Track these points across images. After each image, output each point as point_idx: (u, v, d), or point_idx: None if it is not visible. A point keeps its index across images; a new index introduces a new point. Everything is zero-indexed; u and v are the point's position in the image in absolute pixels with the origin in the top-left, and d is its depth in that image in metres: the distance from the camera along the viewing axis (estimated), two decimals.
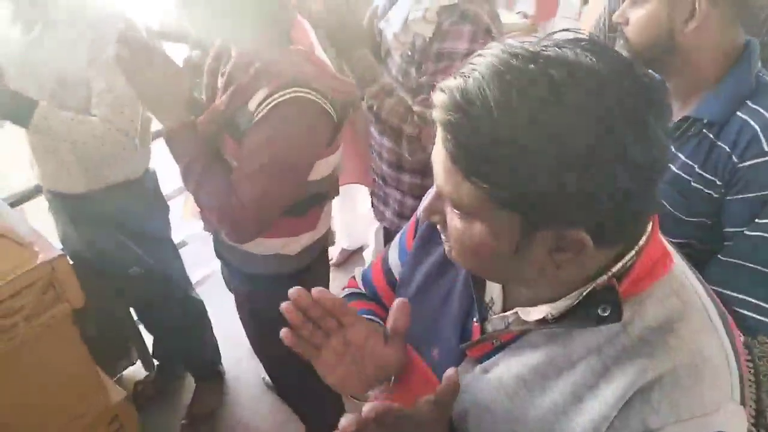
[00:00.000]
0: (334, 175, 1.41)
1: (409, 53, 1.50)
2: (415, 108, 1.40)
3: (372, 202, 1.91)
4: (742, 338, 0.69)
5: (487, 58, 0.55)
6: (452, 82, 0.57)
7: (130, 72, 1.13)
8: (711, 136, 1.10)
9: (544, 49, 0.54)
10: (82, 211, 1.83)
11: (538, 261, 0.60)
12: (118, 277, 1.93)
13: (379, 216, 1.86)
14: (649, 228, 0.64)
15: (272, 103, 1.15)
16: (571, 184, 0.52)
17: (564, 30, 0.60)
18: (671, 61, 1.11)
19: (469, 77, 0.55)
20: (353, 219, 2.89)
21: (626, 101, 0.52)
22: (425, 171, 1.60)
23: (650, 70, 1.14)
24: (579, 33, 0.58)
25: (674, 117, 1.16)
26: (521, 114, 0.51)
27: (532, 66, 0.52)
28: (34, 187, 2.05)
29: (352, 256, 3.03)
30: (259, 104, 1.17)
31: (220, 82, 1.34)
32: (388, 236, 1.98)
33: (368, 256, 2.90)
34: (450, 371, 0.68)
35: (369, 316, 0.92)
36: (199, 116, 1.27)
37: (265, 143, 1.17)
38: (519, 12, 2.34)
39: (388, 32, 1.56)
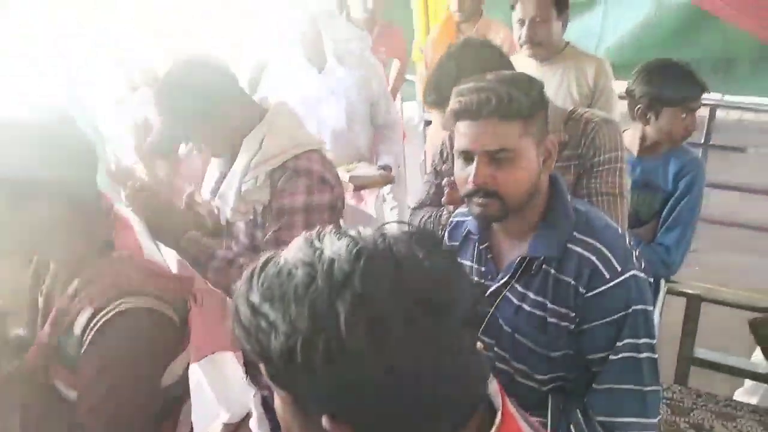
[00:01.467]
0: (186, 374, 1.27)
1: (251, 218, 1.52)
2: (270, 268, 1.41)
3: (245, 369, 1.78)
4: None
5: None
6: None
7: None
8: (553, 270, 1.14)
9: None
10: None
11: None
12: None
13: (255, 382, 1.75)
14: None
15: (99, 323, 1.03)
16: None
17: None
18: (528, 204, 1.15)
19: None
20: (227, 389, 2.67)
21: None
22: None
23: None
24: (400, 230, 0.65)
25: (509, 256, 1.21)
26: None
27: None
28: None
29: (239, 428, 2.77)
30: (85, 327, 1.04)
31: (41, 302, 1.20)
32: (266, 405, 1.82)
33: (254, 425, 2.65)
34: None
35: None
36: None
37: (102, 370, 1.04)
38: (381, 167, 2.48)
39: (225, 209, 1.56)
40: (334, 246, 0.61)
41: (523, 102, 1.07)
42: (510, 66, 1.48)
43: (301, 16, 2.29)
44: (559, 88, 2.17)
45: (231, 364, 2.57)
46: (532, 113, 1.09)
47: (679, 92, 1.86)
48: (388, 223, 0.69)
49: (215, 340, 2.05)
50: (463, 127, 1.12)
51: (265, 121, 1.51)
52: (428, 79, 1.51)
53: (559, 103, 2.06)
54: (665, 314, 2.16)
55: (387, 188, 3.61)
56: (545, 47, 2.13)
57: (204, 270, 1.49)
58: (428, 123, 4.26)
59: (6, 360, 1.09)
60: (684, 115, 1.88)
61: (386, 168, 2.48)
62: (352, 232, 0.63)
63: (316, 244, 0.62)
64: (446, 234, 1.40)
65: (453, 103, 1.12)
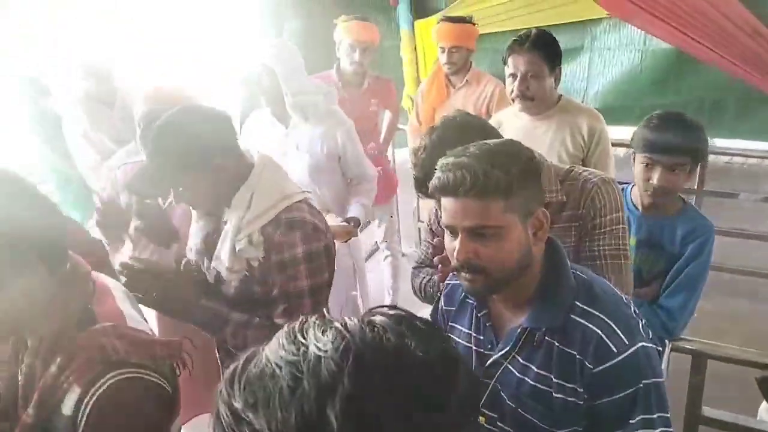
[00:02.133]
0: None
1: (247, 274, 1.51)
2: (278, 321, 1.48)
3: None
4: None
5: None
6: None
7: None
8: (556, 343, 1.09)
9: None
10: None
11: None
12: None
13: None
14: None
15: (91, 402, 0.98)
16: None
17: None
18: (520, 277, 1.12)
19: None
20: None
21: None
22: None
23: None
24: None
25: (510, 325, 1.17)
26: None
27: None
28: None
29: None
30: (76, 407, 0.99)
31: (21, 380, 1.13)
32: None
33: None
34: None
35: None
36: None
37: None
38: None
39: (221, 269, 1.55)
40: (319, 341, 0.57)
41: (501, 180, 1.04)
42: (497, 136, 1.44)
43: (260, 70, 2.30)
44: (553, 142, 2.16)
45: None
46: (512, 190, 1.05)
47: (679, 148, 1.78)
48: (376, 308, 0.66)
49: (197, 402, 1.96)
50: (444, 202, 1.10)
51: (253, 175, 1.51)
52: (414, 166, 1.50)
53: (554, 158, 2.05)
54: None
55: (380, 236, 3.59)
56: (538, 102, 2.13)
57: (220, 335, 1.50)
58: None
59: None
60: (676, 171, 1.79)
61: (352, 221, 2.46)
62: (338, 324, 0.60)
63: (300, 339, 0.59)
64: (442, 298, 1.36)
65: (434, 178, 1.10)
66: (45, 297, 1.04)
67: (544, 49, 2.06)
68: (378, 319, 0.61)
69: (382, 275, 3.70)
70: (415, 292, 1.84)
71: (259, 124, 2.56)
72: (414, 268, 1.86)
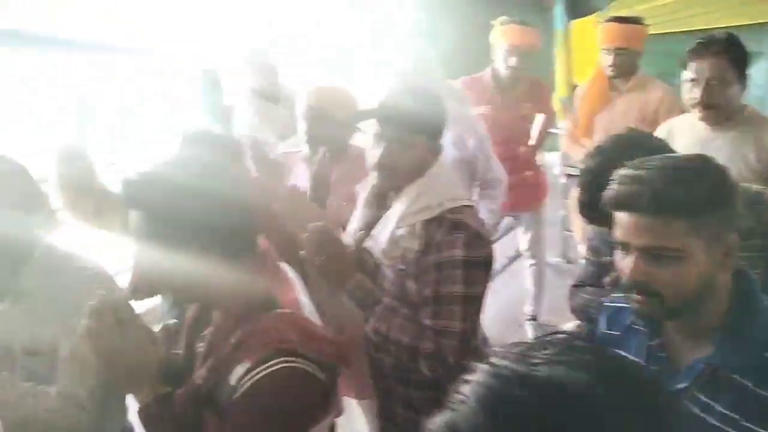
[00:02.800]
0: None
1: (403, 267, 1.51)
2: (426, 322, 1.46)
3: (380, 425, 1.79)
4: None
5: (473, 386, 0.55)
6: (441, 418, 0.55)
7: (99, 345, 1.09)
8: (750, 384, 0.98)
9: (533, 368, 0.53)
10: None
11: None
12: None
13: None
14: None
15: (254, 378, 1.05)
16: None
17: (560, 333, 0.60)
18: (701, 305, 1.03)
19: (457, 410, 0.54)
20: None
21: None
22: (438, 384, 1.52)
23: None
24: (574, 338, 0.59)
25: (688, 356, 1.07)
26: None
27: (518, 392, 0.52)
28: None
29: None
30: (240, 378, 1.06)
31: (199, 347, 1.24)
32: None
33: None
34: None
35: None
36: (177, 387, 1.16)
37: (248, 426, 1.06)
38: None
39: (375, 250, 1.57)
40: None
41: (685, 198, 0.95)
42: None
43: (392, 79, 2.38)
44: (732, 156, 1.96)
45: (357, 417, 2.54)
46: (698, 211, 0.96)
47: None
48: (552, 334, 0.61)
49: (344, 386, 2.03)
50: (619, 217, 1.03)
51: (431, 171, 1.54)
52: (580, 187, 1.43)
53: (734, 173, 1.86)
54: None
55: (524, 245, 3.49)
56: (720, 111, 1.95)
57: (369, 312, 1.51)
58: (570, 176, 4.09)
59: (160, 384, 1.14)
60: None
61: None
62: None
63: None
64: (603, 320, 1.28)
65: (609, 190, 1.03)
66: (237, 278, 1.12)
67: (731, 53, 1.88)
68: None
69: (523, 283, 3.61)
70: (573, 313, 1.76)
71: None
72: (573, 286, 1.79)
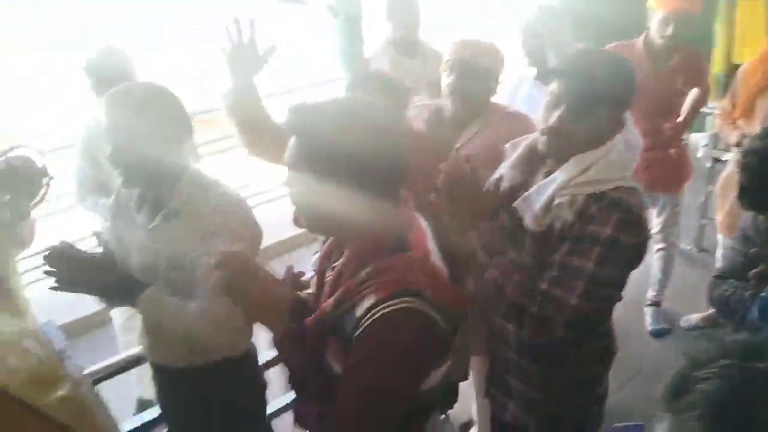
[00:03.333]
0: (439, 387, 1.27)
1: (546, 235, 1.46)
2: (543, 286, 1.40)
3: (488, 391, 1.77)
4: None
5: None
6: None
7: (231, 292, 1.18)
8: None
9: None
10: (178, 384, 1.83)
11: None
12: None
13: (499, 410, 1.72)
14: None
15: (378, 313, 1.09)
16: None
17: None
18: None
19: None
20: None
21: None
22: (554, 359, 1.49)
23: None
24: None
25: None
26: None
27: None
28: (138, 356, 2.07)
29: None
30: (366, 311, 1.11)
31: (328, 277, 1.30)
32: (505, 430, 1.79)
33: None
34: None
35: None
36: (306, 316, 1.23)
37: (369, 359, 1.10)
38: None
39: (526, 214, 1.50)
40: None
41: None
42: None
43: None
44: None
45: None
46: None
47: None
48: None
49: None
50: None
51: (606, 145, 1.45)
52: (741, 172, 1.30)
53: None
54: None
55: (656, 227, 3.29)
56: None
57: (490, 260, 1.46)
58: (717, 161, 3.77)
59: (290, 319, 1.20)
60: None
61: None
62: None
63: None
64: (755, 311, 1.19)
65: None
66: (376, 217, 1.15)
67: None
68: None
69: (648, 268, 3.41)
70: (712, 304, 1.65)
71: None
72: (715, 277, 1.67)
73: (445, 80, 2.04)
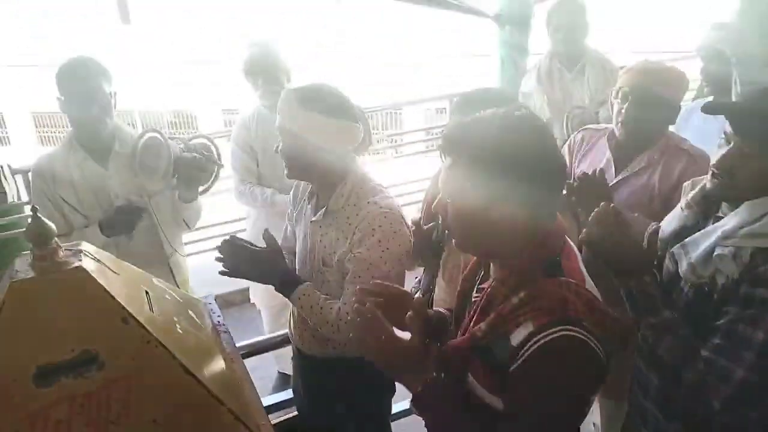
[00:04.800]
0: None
1: (707, 290, 1.33)
2: (704, 353, 1.27)
3: None
4: None
5: None
6: None
7: (361, 341, 1.18)
8: None
9: None
10: (314, 372, 1.93)
11: None
12: None
13: None
14: None
15: (539, 343, 1.06)
16: None
17: None
18: None
19: None
20: None
21: None
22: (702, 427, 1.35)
23: None
24: None
25: None
26: None
27: None
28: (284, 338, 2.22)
29: None
30: (523, 341, 1.08)
31: (474, 297, 1.29)
32: None
33: None
34: None
35: None
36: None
37: (538, 394, 1.07)
38: None
39: (682, 260, 1.38)
40: None
41: None
42: None
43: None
44: None
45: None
46: None
47: None
48: None
49: None
50: None
51: None
52: None
53: None
54: None
55: None
56: None
57: (639, 319, 1.36)
58: None
59: (429, 367, 1.19)
60: None
61: None
62: None
63: None
64: None
65: None
66: (530, 238, 1.13)
67: None
68: None
69: None
70: None
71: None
72: None
73: (617, 106, 1.91)
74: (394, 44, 14.41)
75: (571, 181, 1.81)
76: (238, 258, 1.72)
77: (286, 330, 2.05)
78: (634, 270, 1.37)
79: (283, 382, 3.27)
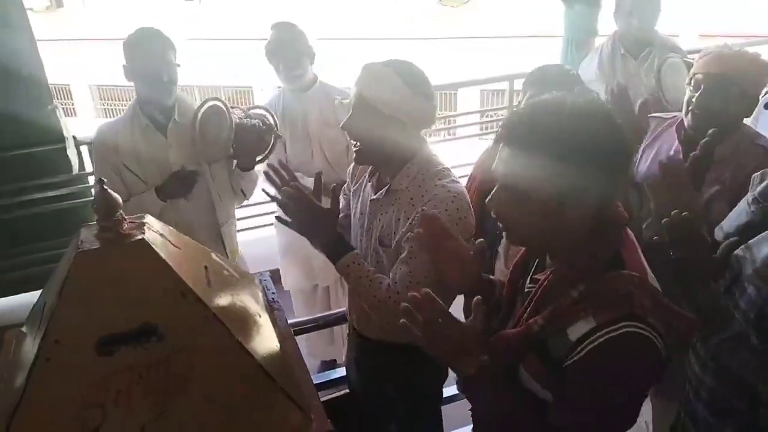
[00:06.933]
0: None
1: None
2: None
3: None
4: None
5: None
6: None
7: (425, 335, 1.13)
8: None
9: None
10: (368, 355, 1.93)
11: None
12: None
13: None
14: None
15: (601, 339, 1.02)
16: None
17: None
18: None
19: None
20: None
21: None
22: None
23: None
24: None
25: None
26: None
27: None
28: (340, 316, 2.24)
29: None
30: (584, 336, 1.04)
31: (527, 287, 1.25)
32: None
33: None
34: None
35: None
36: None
37: (597, 393, 1.05)
38: None
39: (747, 264, 1.32)
40: None
41: None
42: None
43: None
44: None
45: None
46: None
47: None
48: None
49: None
50: None
51: None
52: None
53: None
54: None
55: None
56: None
57: (709, 329, 1.34)
58: None
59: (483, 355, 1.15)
60: None
61: None
62: None
63: None
64: None
65: None
66: (590, 229, 1.09)
67: None
68: None
69: None
70: None
71: None
72: None
73: (688, 93, 1.81)
74: (450, 20, 14.20)
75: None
76: (300, 205, 1.62)
77: (343, 308, 2.04)
78: (702, 275, 1.34)
79: (324, 368, 3.27)
